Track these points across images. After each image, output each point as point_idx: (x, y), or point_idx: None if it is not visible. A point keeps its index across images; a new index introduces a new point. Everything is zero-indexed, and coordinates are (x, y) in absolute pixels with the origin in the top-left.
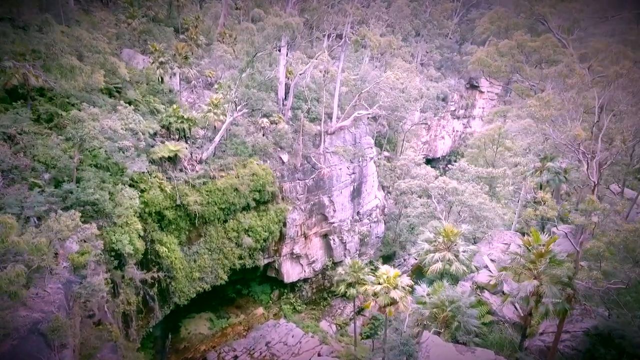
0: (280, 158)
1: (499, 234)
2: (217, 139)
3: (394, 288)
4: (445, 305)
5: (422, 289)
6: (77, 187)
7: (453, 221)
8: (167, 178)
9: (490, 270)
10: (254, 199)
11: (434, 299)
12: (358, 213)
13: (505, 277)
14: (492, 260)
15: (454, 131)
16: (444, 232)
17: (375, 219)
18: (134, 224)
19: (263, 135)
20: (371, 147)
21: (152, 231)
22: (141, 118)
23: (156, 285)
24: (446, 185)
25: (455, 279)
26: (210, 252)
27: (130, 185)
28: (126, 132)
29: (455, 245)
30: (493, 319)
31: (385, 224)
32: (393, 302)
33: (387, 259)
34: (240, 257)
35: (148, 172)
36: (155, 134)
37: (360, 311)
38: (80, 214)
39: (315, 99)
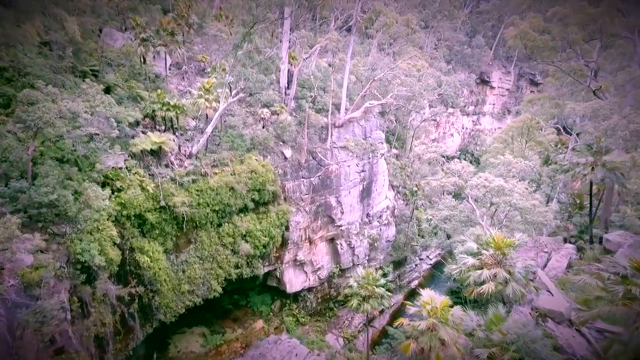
0: (283, 153)
1: (552, 244)
2: (209, 129)
3: (442, 322)
4: (507, 343)
5: (469, 317)
6: (32, 184)
7: (494, 227)
8: (149, 175)
9: (550, 292)
10: (253, 200)
11: (497, 336)
12: (367, 215)
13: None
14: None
15: (463, 128)
16: (493, 243)
17: (386, 221)
18: (106, 230)
19: (263, 127)
20: (382, 142)
21: (131, 238)
22: (112, 101)
23: (137, 301)
24: (489, 184)
25: (498, 300)
26: (201, 261)
27: (104, 184)
28: (92, 117)
29: (508, 259)
30: (562, 357)
31: (396, 226)
32: (442, 344)
33: (398, 264)
34: (236, 266)
35: (126, 167)
36: (137, 123)
37: (369, 321)
38: (20, 220)
39: (322, 88)
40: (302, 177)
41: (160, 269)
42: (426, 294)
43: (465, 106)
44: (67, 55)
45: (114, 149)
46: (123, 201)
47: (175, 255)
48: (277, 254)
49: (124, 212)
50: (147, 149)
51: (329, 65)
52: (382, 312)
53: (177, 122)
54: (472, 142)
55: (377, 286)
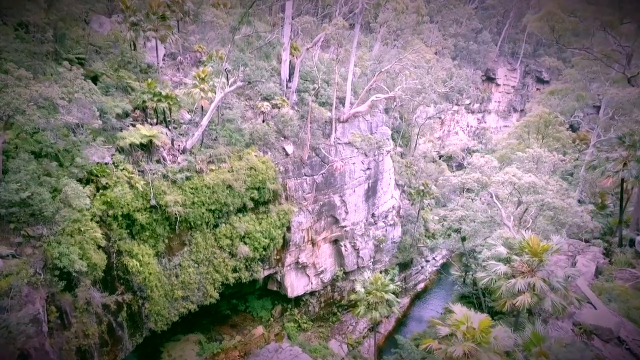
0: (284, 149)
1: (576, 245)
2: (204, 122)
3: (482, 346)
4: None
5: (502, 333)
6: (1, 181)
7: (522, 229)
8: (139, 171)
9: (592, 305)
10: (252, 199)
11: None
12: (373, 215)
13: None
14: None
15: (468, 126)
16: (528, 247)
17: (392, 222)
18: (89, 232)
19: (263, 121)
20: (388, 139)
21: (119, 240)
22: (94, 87)
23: (125, 308)
24: (518, 180)
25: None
26: (196, 265)
27: (88, 180)
28: (69, 104)
29: (545, 265)
30: None
31: (401, 227)
32: None
33: (404, 266)
34: (234, 270)
35: (113, 163)
36: (127, 115)
37: (375, 326)
38: None
39: (325, 81)
40: (305, 175)
41: (150, 273)
42: (459, 310)
43: (470, 104)
44: (48, 40)
45: (96, 142)
46: (109, 200)
47: (168, 258)
48: (278, 257)
49: (110, 212)
50: (136, 143)
51: (335, 57)
52: (387, 316)
53: (170, 114)
54: (477, 140)
55: (386, 292)
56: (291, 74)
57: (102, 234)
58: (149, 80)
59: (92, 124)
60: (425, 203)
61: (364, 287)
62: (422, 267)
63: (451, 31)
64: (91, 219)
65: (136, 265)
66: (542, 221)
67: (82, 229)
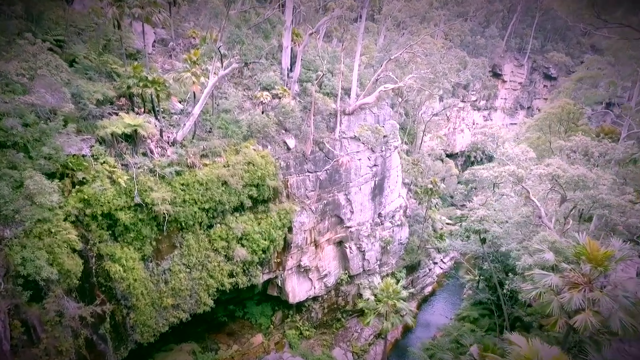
0: (285, 143)
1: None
2: (196, 110)
3: None
4: None
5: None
6: None
7: (567, 231)
8: (122, 165)
9: None
10: (250, 197)
11: None
12: (379, 215)
13: None
14: None
15: (474, 124)
16: (585, 254)
17: (399, 222)
18: (62, 233)
19: (262, 112)
20: (396, 134)
21: (99, 242)
22: (63, 64)
23: (108, 319)
24: (564, 173)
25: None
26: (188, 270)
27: (62, 174)
28: (31, 82)
29: (607, 276)
30: None
31: (409, 227)
32: None
33: (411, 269)
34: (231, 275)
35: (93, 155)
36: (111, 103)
37: (380, 333)
38: None
39: (329, 70)
40: (308, 171)
41: (136, 279)
42: (522, 342)
43: (476, 100)
44: (17, 15)
45: (67, 128)
46: (86, 197)
47: (156, 263)
48: (279, 260)
49: (88, 211)
50: (118, 133)
51: (341, 46)
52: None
53: (158, 102)
54: (483, 138)
55: (398, 300)
56: (293, 63)
57: (78, 236)
58: (135, 63)
59: (62, 108)
60: (434, 202)
61: (374, 294)
62: (429, 270)
63: (457, 25)
64: (65, 219)
65: (119, 270)
66: (593, 222)
67: (53, 230)
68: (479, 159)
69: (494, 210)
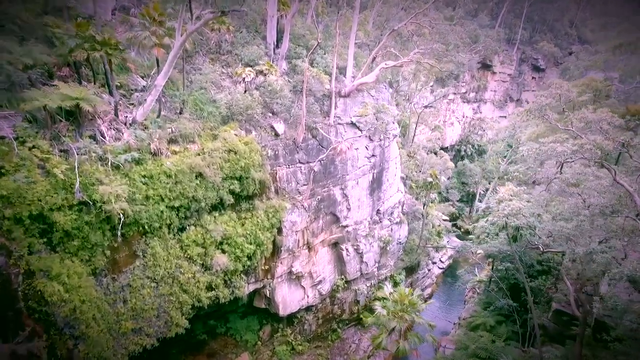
0: (273, 128)
1: None
2: (159, 80)
3: None
4: None
5: None
6: None
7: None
8: (61, 151)
9: None
10: (232, 192)
11: None
12: (378, 212)
13: None
14: None
15: (463, 117)
16: None
17: (398, 219)
18: None
19: (245, 91)
20: (395, 121)
21: (27, 254)
22: None
23: (45, 357)
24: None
25: None
26: (154, 284)
27: None
28: None
29: None
30: None
31: (407, 225)
32: None
33: (410, 270)
34: (209, 287)
35: (17, 138)
36: (50, 74)
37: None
38: None
39: (321, 47)
40: (299, 162)
41: (84, 301)
42: None
43: (466, 92)
44: None
45: None
46: (5, 193)
47: (112, 277)
48: (267, 267)
49: (9, 212)
50: (53, 108)
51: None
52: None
53: (111, 71)
54: (473, 131)
55: (416, 314)
56: (279, 39)
57: None
58: (79, 20)
59: None
60: (432, 197)
61: (385, 307)
62: (429, 270)
63: (446, 14)
64: None
65: (58, 291)
66: None
67: None
68: (469, 153)
69: (534, 201)
